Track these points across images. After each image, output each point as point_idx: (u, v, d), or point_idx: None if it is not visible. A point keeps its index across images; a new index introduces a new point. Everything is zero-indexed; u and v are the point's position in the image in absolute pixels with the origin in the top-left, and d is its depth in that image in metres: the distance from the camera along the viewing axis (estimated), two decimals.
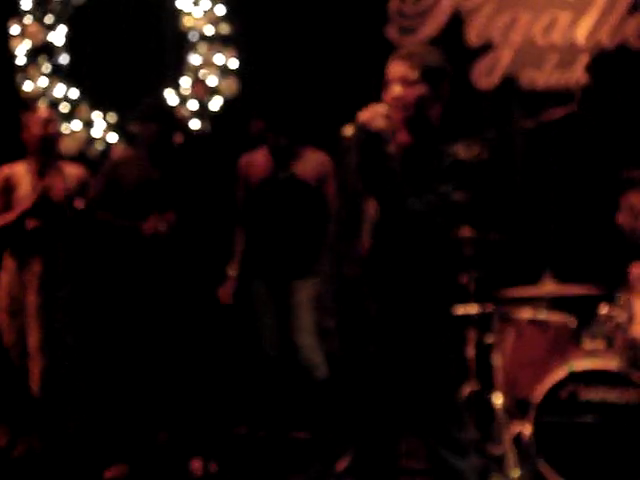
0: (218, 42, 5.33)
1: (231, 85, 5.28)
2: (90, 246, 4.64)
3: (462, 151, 2.71)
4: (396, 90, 2.72)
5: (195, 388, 4.56)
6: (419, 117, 2.73)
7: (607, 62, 5.55)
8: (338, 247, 2.86)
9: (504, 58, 5.52)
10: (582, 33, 5.53)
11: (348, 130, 2.61)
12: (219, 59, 5.30)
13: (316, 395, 4.30)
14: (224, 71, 5.32)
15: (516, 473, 4.08)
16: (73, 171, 4.55)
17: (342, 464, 4.32)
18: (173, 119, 4.68)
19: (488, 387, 4.44)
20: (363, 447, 2.92)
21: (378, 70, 5.30)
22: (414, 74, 2.71)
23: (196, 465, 4.35)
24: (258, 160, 4.47)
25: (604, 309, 4.33)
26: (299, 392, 4.37)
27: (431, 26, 5.54)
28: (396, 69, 2.74)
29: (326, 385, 4.27)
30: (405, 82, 2.71)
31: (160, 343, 4.33)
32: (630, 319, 4.22)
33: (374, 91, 5.35)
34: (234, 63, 5.32)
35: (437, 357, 2.76)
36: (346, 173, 2.74)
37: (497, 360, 4.35)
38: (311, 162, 4.41)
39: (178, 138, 4.66)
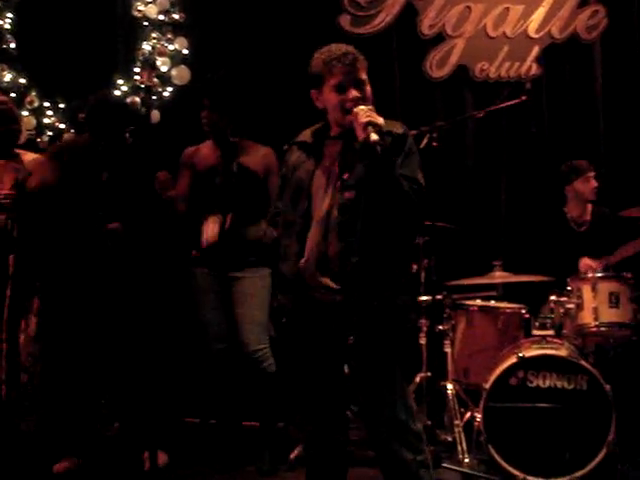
0: (170, 30, 5.26)
1: (183, 73, 5.23)
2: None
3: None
4: (354, 93, 2.78)
5: (146, 379, 4.50)
6: None
7: (557, 54, 5.63)
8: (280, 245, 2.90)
9: (456, 49, 5.56)
10: (533, 25, 5.60)
11: (374, 136, 2.63)
12: (171, 47, 5.24)
13: (265, 385, 4.28)
14: (176, 59, 5.26)
15: (467, 459, 4.11)
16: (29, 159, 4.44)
17: (294, 453, 4.32)
18: (126, 112, 4.60)
19: (440, 375, 4.47)
20: (313, 436, 2.93)
21: None
22: (364, 75, 2.83)
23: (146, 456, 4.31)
24: (204, 150, 4.43)
25: (554, 297, 4.38)
26: (249, 381, 4.34)
27: (385, 17, 5.55)
28: (347, 73, 2.79)
29: (274, 375, 4.26)
30: (359, 84, 2.80)
31: (110, 335, 4.27)
32: (579, 307, 4.29)
33: None
34: (186, 50, 5.26)
35: (387, 346, 2.77)
36: (305, 173, 2.82)
37: (448, 348, 4.38)
38: (258, 155, 4.38)
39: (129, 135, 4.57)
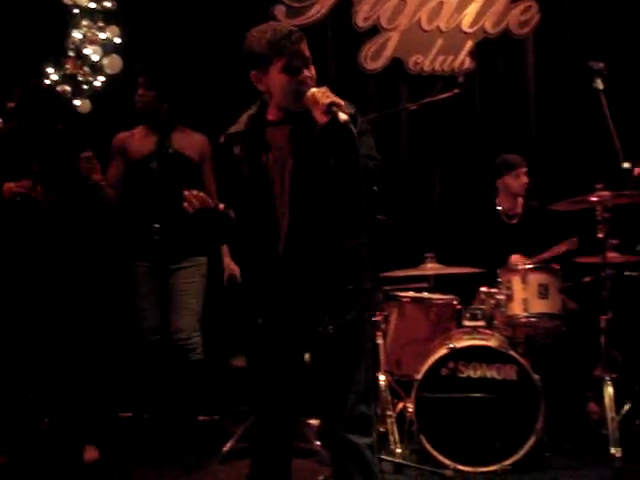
0: (101, 17, 5.16)
1: (114, 62, 5.13)
2: None
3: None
4: (313, 70, 2.70)
5: (76, 373, 4.43)
6: None
7: (490, 48, 5.69)
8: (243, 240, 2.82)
9: (391, 42, 5.57)
10: (467, 20, 5.65)
11: (345, 116, 2.53)
12: (102, 35, 5.13)
13: (193, 374, 4.25)
14: (107, 48, 5.16)
15: (399, 450, 4.14)
16: None
17: (227, 446, 4.30)
18: (56, 101, 4.49)
19: (372, 366, 4.48)
20: (264, 428, 2.86)
21: None
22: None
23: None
24: (136, 136, 4.37)
25: (484, 289, 4.44)
26: (180, 374, 4.30)
27: (319, 8, 5.53)
28: (305, 50, 2.68)
29: (204, 366, 4.24)
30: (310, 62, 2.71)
31: (39, 329, 4.18)
32: (509, 298, 4.35)
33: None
34: (117, 39, 5.17)
35: (358, 331, 2.75)
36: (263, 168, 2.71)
37: (381, 340, 4.39)
38: (192, 141, 4.35)
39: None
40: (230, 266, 4.40)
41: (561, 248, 4.62)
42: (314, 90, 2.60)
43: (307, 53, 2.67)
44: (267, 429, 2.84)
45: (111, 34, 5.16)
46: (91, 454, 4.27)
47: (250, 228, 2.76)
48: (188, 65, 5.16)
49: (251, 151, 2.74)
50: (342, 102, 2.55)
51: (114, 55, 5.15)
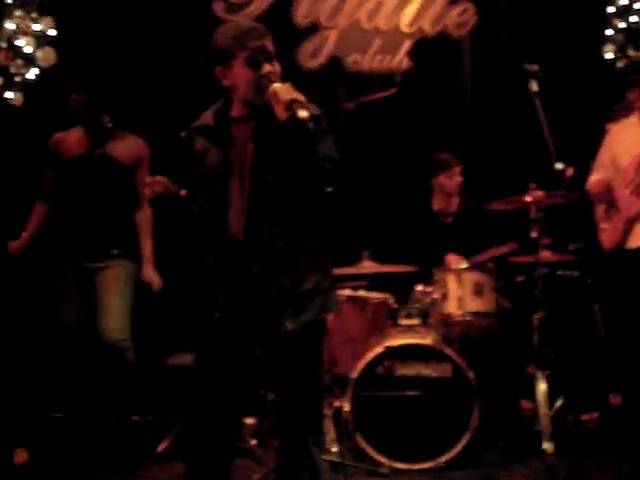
0: (35, 8, 5.05)
1: (48, 55, 5.02)
2: None
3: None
4: (277, 65, 2.67)
5: (6, 374, 4.33)
6: None
7: (428, 49, 5.74)
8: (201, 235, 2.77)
9: (330, 40, 5.58)
10: (405, 20, 5.69)
11: (304, 113, 2.48)
12: (36, 27, 5.02)
13: (123, 376, 4.19)
14: (41, 39, 5.04)
15: (335, 448, 4.14)
16: None
17: (161, 446, 4.25)
18: None
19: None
20: (204, 426, 2.78)
21: (204, 44, 5.27)
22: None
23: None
24: (72, 137, 4.28)
25: (420, 287, 4.47)
26: (109, 375, 4.23)
27: (259, 5, 5.51)
28: (269, 45, 2.66)
29: (134, 368, 4.18)
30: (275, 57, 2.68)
31: None
32: (444, 296, 4.39)
33: (198, 67, 5.35)
34: (52, 31, 5.06)
35: (316, 332, 2.73)
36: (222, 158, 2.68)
37: None
38: (128, 144, 4.28)
39: None
40: (148, 275, 4.32)
41: (499, 251, 4.68)
42: (276, 85, 2.58)
43: (271, 48, 2.66)
44: (210, 427, 2.78)
45: (45, 25, 5.06)
46: (21, 456, 4.18)
47: (210, 223, 2.73)
48: (126, 61, 5.08)
49: (214, 145, 2.72)
50: (303, 99, 2.53)
51: (48, 47, 5.05)
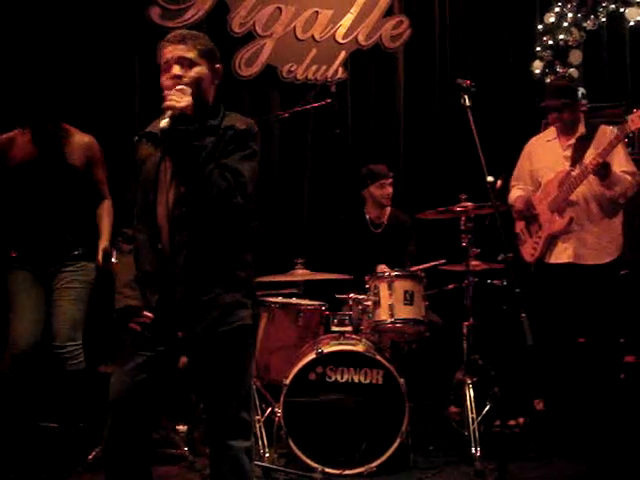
0: None
1: None
2: None
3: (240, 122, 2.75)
4: (176, 69, 2.69)
5: None
6: (198, 95, 2.70)
7: (362, 60, 5.82)
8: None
9: (266, 49, 5.60)
10: (341, 31, 5.76)
11: (164, 122, 2.56)
12: None
13: (70, 384, 4.12)
14: None
15: (267, 454, 4.16)
16: None
17: (93, 454, 4.20)
18: None
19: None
20: (119, 434, 2.76)
21: (140, 50, 5.24)
22: (191, 55, 2.72)
23: None
24: (20, 140, 4.19)
25: (352, 295, 4.52)
26: (53, 382, 4.16)
27: (196, 12, 5.49)
28: (172, 51, 2.72)
29: (82, 375, 4.12)
30: (183, 63, 2.70)
31: None
32: (376, 304, 4.45)
33: (133, 72, 5.30)
34: None
35: (220, 344, 2.71)
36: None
37: None
38: (78, 145, 4.21)
39: None
40: (103, 245, 4.26)
41: (429, 265, 4.80)
42: (168, 92, 2.64)
43: (185, 52, 2.70)
44: (125, 433, 2.75)
45: None
46: None
47: (142, 229, 2.75)
48: (64, 65, 5.02)
49: (153, 152, 2.75)
50: (183, 105, 2.58)
51: None
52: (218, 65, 2.82)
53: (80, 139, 4.22)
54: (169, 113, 2.58)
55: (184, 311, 2.69)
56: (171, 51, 2.71)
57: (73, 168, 4.13)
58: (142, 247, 2.75)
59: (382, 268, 4.85)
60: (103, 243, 4.17)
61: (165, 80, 2.71)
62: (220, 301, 2.70)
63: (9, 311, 4.13)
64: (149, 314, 2.72)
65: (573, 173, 4.46)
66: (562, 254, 4.52)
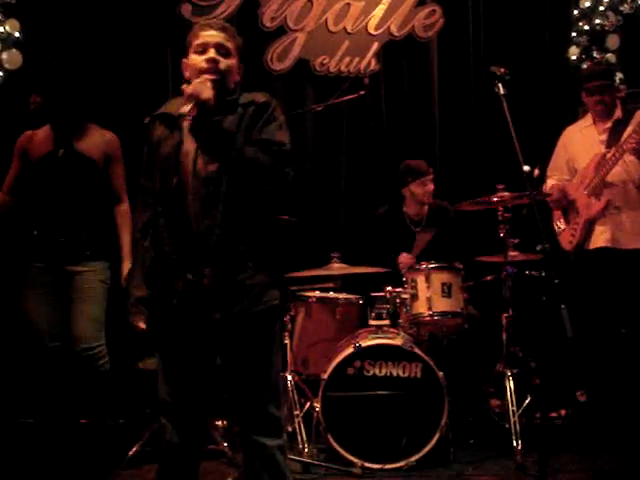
0: (0, 11, 5.00)
1: (14, 57, 4.98)
2: None
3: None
4: (212, 53, 2.71)
5: None
6: (222, 87, 2.71)
7: (395, 51, 5.78)
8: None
9: (297, 42, 5.59)
10: (373, 22, 5.72)
11: (185, 108, 2.58)
12: (1, 29, 4.97)
13: (98, 384, 4.15)
14: (7, 42, 5.00)
15: (307, 449, 4.16)
16: None
17: (132, 450, 4.23)
18: None
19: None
20: (172, 430, 2.77)
21: (172, 47, 5.26)
22: (230, 45, 2.74)
23: None
24: (39, 136, 4.24)
25: (389, 288, 4.49)
26: (83, 380, 4.19)
27: (226, 7, 5.50)
28: (213, 35, 2.73)
29: (108, 374, 4.15)
30: (220, 50, 2.72)
31: None
32: (413, 297, 4.42)
33: (165, 67, 5.33)
34: (17, 34, 5.01)
35: (252, 330, 2.70)
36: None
37: (287, 339, 4.40)
38: (97, 140, 4.24)
39: None
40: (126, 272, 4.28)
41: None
42: (197, 79, 2.66)
43: (224, 41, 2.73)
44: (175, 431, 2.78)
45: (11, 28, 5.01)
46: None
47: (163, 212, 2.73)
48: (94, 61, 5.06)
49: (172, 135, 2.74)
50: (205, 96, 2.58)
51: (14, 50, 5.01)
52: (242, 64, 2.84)
53: (100, 135, 4.26)
54: (192, 100, 2.58)
55: (216, 292, 2.66)
56: (212, 35, 2.73)
57: (91, 161, 4.15)
58: (163, 231, 2.73)
59: (404, 257, 4.82)
60: (126, 265, 4.16)
61: (200, 62, 2.71)
62: (256, 280, 2.69)
63: (26, 312, 4.17)
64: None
65: (608, 155, 4.39)
66: (599, 238, 4.47)
